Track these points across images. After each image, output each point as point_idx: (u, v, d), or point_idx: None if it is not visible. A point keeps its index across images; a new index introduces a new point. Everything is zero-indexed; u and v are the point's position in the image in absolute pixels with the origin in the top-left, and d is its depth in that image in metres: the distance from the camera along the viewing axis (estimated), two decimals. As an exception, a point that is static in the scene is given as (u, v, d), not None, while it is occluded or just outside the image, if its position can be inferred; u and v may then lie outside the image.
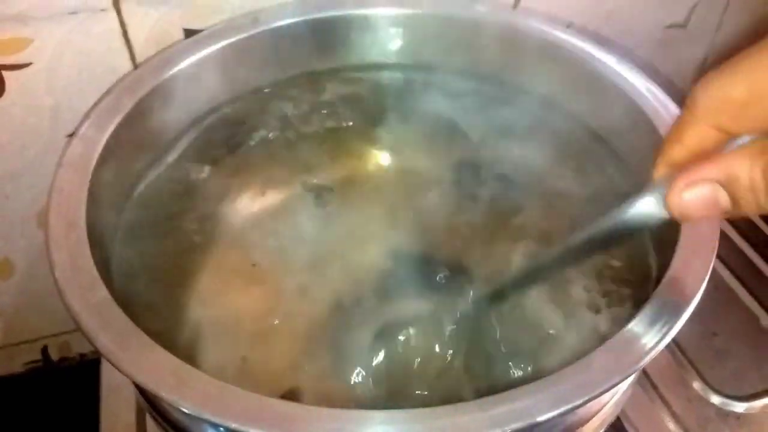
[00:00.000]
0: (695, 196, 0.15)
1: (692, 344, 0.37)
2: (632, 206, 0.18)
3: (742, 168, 0.14)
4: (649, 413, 0.34)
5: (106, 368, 0.36)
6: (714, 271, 0.23)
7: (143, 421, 0.33)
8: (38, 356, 0.50)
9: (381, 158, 0.34)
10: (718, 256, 0.23)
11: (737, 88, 0.14)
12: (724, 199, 0.15)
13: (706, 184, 0.15)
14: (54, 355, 0.50)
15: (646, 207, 0.17)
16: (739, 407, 0.35)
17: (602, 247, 0.23)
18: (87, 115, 0.28)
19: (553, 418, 0.20)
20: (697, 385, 0.36)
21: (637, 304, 0.23)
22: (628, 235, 0.19)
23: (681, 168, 0.15)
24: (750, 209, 0.14)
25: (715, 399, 0.35)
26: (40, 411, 0.48)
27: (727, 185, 0.14)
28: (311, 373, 0.24)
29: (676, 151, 0.16)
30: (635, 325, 0.22)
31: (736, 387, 0.36)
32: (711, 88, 0.15)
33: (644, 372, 0.36)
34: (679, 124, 0.16)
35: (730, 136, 0.15)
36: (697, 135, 0.15)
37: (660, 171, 0.17)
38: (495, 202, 0.31)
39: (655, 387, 0.36)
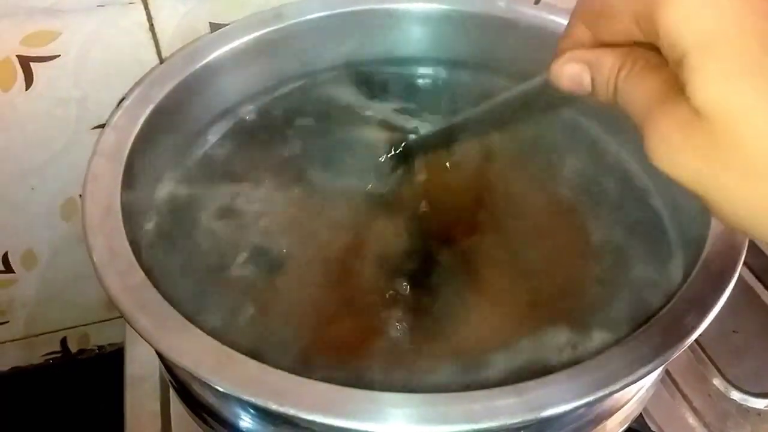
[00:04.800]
0: (568, 70, 0.18)
1: (712, 341, 0.37)
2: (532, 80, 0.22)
3: (606, 61, 0.17)
4: (669, 409, 0.35)
5: (130, 357, 0.36)
6: (733, 269, 0.23)
7: (167, 410, 0.34)
8: (57, 347, 0.50)
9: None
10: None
11: (594, 1, 0.17)
12: (587, 80, 0.18)
13: (578, 63, 0.18)
14: (73, 347, 0.51)
15: (538, 81, 0.22)
16: (760, 404, 0.35)
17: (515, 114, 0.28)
18: (118, 106, 0.29)
19: (585, 405, 0.20)
20: (717, 381, 0.36)
21: (665, 299, 0.23)
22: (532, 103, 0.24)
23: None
24: (603, 98, 0.17)
25: (735, 395, 0.36)
26: (59, 402, 0.48)
27: (592, 71, 0.17)
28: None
29: (562, 46, 0.19)
30: (664, 318, 0.22)
31: (756, 384, 0.36)
32: None
33: (665, 369, 0.36)
34: (567, 24, 0.19)
35: (599, 40, 0.18)
36: (576, 33, 0.18)
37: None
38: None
39: (675, 383, 0.36)
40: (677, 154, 0.15)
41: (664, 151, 0.15)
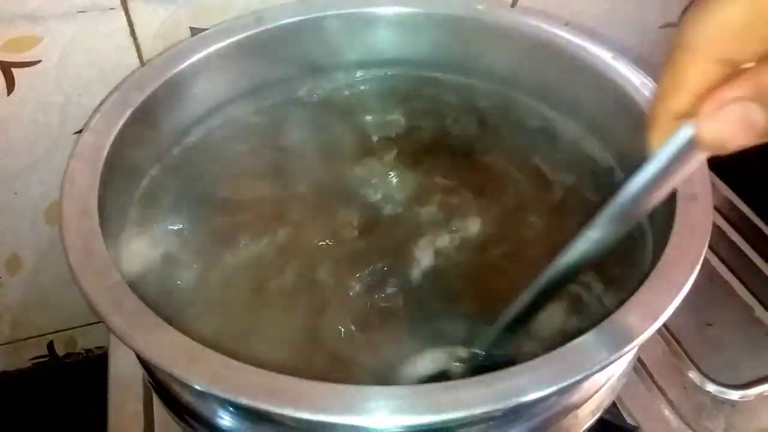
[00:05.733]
0: (727, 119, 0.13)
1: (687, 334, 0.38)
2: (642, 170, 0.15)
3: None
4: (645, 401, 0.35)
5: (114, 360, 0.37)
6: (708, 262, 0.24)
7: (150, 411, 0.34)
8: (44, 351, 0.50)
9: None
10: (712, 248, 0.24)
11: (736, 7, 0.12)
12: (759, 115, 0.12)
13: (737, 103, 0.13)
14: (60, 351, 0.51)
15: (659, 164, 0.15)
16: (734, 395, 0.36)
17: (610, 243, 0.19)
18: (97, 110, 0.29)
19: (552, 394, 0.20)
20: (692, 374, 0.37)
21: (633, 286, 0.24)
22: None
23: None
24: None
25: (711, 387, 0.36)
26: (46, 406, 0.48)
27: (760, 99, 0.12)
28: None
29: (679, 101, 0.13)
30: (632, 306, 0.22)
31: (731, 376, 0.37)
32: (705, 16, 0.13)
33: (640, 361, 0.37)
34: (674, 69, 0.13)
35: (735, 67, 0.13)
36: (700, 74, 0.13)
37: (662, 132, 0.14)
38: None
39: (651, 376, 0.36)
40: None
41: None
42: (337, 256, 0.29)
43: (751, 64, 0.13)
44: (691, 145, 0.13)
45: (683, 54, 0.13)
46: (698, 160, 0.14)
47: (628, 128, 0.31)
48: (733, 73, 0.13)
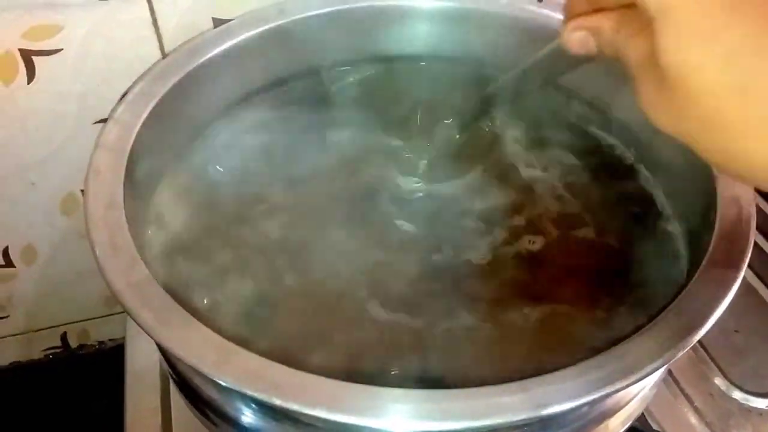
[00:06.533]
0: (575, 36, 0.20)
1: (714, 341, 0.37)
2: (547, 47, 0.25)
3: (605, 25, 0.19)
4: (671, 408, 0.34)
5: (130, 353, 0.36)
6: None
7: (168, 405, 0.34)
8: (58, 343, 0.50)
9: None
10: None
11: None
12: (592, 43, 0.20)
13: (582, 30, 0.20)
14: (73, 342, 0.51)
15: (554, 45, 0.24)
16: (761, 403, 0.35)
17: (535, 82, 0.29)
18: (121, 100, 0.29)
19: (587, 404, 0.20)
20: (718, 381, 0.36)
21: (668, 297, 0.23)
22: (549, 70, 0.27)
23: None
24: (609, 56, 0.19)
25: (737, 395, 0.36)
26: (59, 397, 0.48)
27: (595, 35, 0.19)
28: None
29: (568, 13, 0.21)
30: (669, 317, 0.22)
31: (758, 383, 0.36)
32: None
33: (668, 368, 0.36)
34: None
35: (596, 5, 0.19)
36: (576, 5, 0.20)
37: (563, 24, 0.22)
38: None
39: (677, 382, 0.36)
40: (656, 109, 0.17)
41: (647, 107, 0.17)
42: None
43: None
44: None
45: None
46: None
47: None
48: (598, 8, 0.20)
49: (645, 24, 0.17)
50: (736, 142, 0.15)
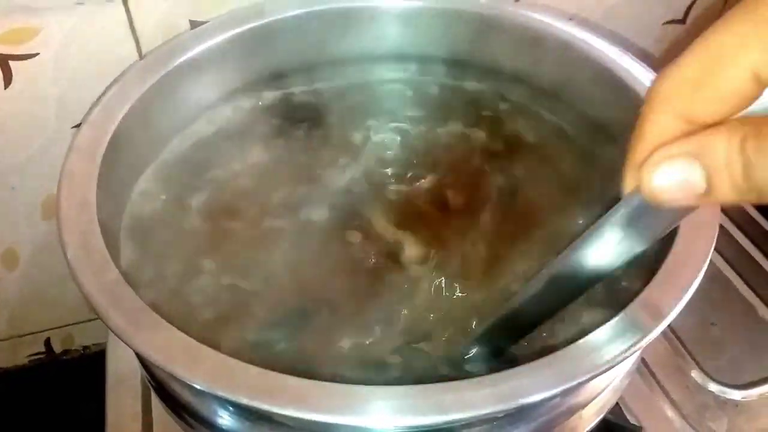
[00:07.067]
0: (668, 173, 0.13)
1: (690, 334, 0.38)
2: (611, 215, 0.16)
3: (718, 140, 0.12)
4: (648, 401, 0.35)
5: (111, 357, 0.36)
6: (711, 262, 0.23)
7: (149, 410, 0.34)
8: (41, 348, 0.50)
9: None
10: (716, 248, 0.23)
11: (689, 67, 0.13)
12: (699, 176, 0.13)
13: (680, 158, 0.13)
14: (57, 348, 0.50)
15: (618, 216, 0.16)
16: (737, 395, 0.36)
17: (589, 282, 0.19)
18: (96, 103, 0.29)
19: (557, 395, 0.20)
20: (695, 373, 0.37)
21: (636, 286, 0.24)
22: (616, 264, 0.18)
23: None
24: (725, 191, 0.13)
25: (713, 387, 0.36)
26: (43, 403, 0.48)
27: (703, 159, 0.13)
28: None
29: (642, 150, 0.14)
30: (638, 306, 0.22)
31: (734, 376, 0.36)
32: (668, 70, 0.14)
33: (643, 360, 0.37)
34: (639, 121, 0.14)
35: (694, 126, 0.13)
36: (659, 126, 0.14)
37: (629, 180, 0.15)
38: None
39: (653, 375, 0.36)
40: None
41: None
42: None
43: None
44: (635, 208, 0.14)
45: (645, 105, 0.14)
46: (671, 217, 0.15)
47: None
48: (696, 126, 0.13)
49: None
50: None
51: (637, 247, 0.17)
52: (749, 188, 0.12)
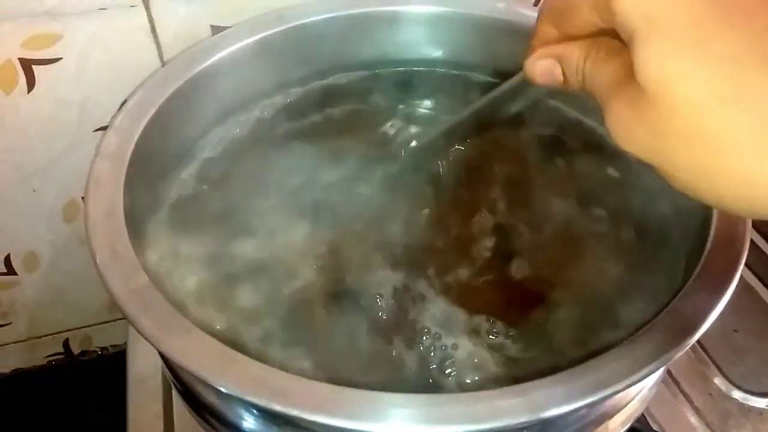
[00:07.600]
0: (540, 66, 0.20)
1: (713, 341, 0.37)
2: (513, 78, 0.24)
3: (573, 52, 0.18)
4: (671, 408, 0.35)
5: (132, 359, 0.37)
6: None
7: (170, 411, 0.34)
8: (60, 349, 0.50)
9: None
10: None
11: (556, 1, 0.19)
12: (558, 73, 0.19)
13: (549, 58, 0.19)
14: (75, 349, 0.51)
15: (517, 79, 0.24)
16: (761, 403, 0.35)
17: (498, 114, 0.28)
18: (121, 108, 0.29)
19: (587, 405, 0.20)
20: (718, 381, 0.36)
21: (665, 298, 0.24)
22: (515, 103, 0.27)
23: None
24: (573, 85, 0.19)
25: (737, 394, 0.36)
26: (61, 404, 0.49)
27: (561, 62, 0.19)
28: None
29: (531, 47, 0.20)
30: (666, 318, 0.22)
31: (758, 383, 0.36)
32: (547, 1, 0.20)
33: (667, 368, 0.36)
34: (533, 28, 0.20)
35: (565, 37, 0.19)
36: (543, 33, 0.20)
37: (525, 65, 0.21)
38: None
39: (677, 383, 0.36)
40: (629, 129, 0.16)
41: (618, 127, 0.16)
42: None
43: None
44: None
45: (536, 18, 0.20)
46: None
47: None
48: (563, 37, 0.19)
49: (616, 49, 0.17)
50: (716, 156, 0.15)
51: (520, 102, 0.27)
52: (587, 88, 0.18)
